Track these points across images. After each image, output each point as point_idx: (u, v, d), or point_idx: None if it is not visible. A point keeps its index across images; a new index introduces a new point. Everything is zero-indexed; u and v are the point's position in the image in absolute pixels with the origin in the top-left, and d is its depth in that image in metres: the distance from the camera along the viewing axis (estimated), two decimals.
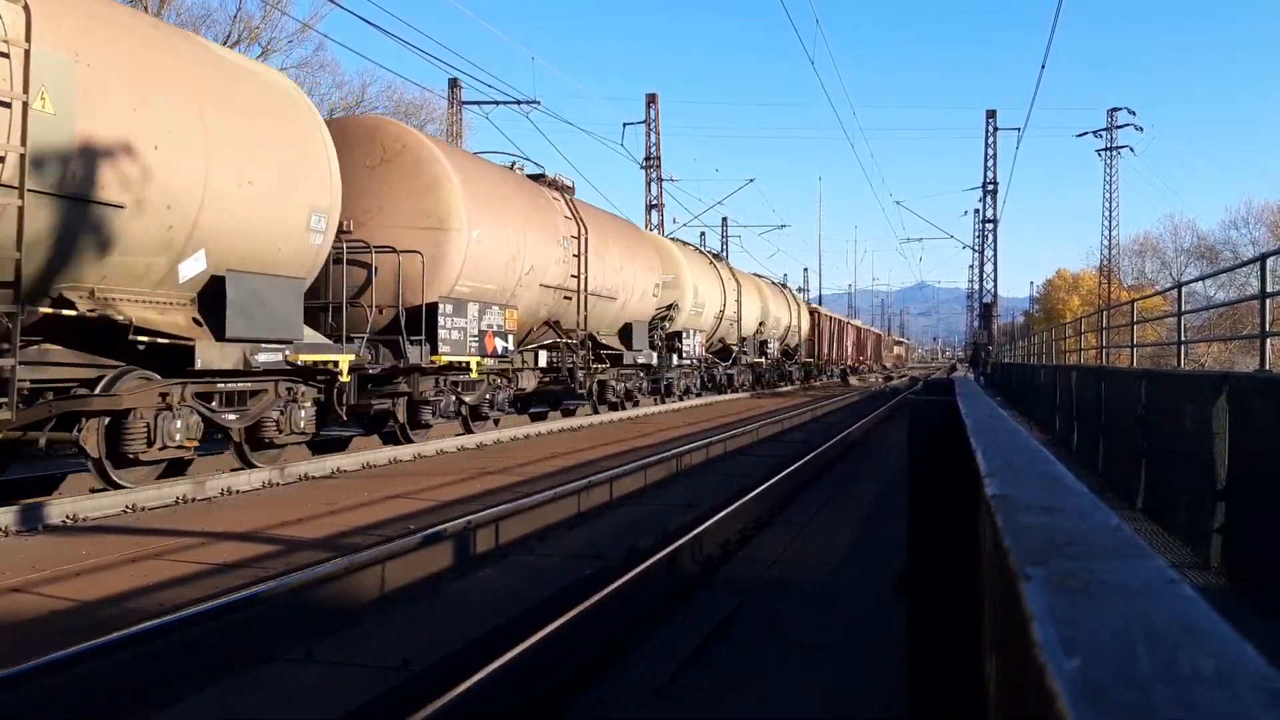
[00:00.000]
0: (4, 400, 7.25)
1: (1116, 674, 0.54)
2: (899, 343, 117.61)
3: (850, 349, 57.43)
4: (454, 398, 13.88)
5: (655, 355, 22.19)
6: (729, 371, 30.57)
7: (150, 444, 8.65)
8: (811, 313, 45.93)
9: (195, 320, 9.12)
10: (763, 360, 34.55)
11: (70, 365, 8.29)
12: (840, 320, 55.96)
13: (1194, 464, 6.87)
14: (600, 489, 9.19)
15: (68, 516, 7.75)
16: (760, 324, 33.38)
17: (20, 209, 7.23)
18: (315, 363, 10.42)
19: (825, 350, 48.25)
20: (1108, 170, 54.35)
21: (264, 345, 9.60)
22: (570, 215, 17.04)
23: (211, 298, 9.20)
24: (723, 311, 28.17)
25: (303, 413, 10.55)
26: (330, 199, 10.57)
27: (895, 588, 5.21)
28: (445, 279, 12.92)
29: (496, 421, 16.00)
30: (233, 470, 10.07)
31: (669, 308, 23.85)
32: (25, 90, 7.23)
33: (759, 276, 38.01)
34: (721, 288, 28.25)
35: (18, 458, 9.19)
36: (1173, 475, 7.70)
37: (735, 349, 30.39)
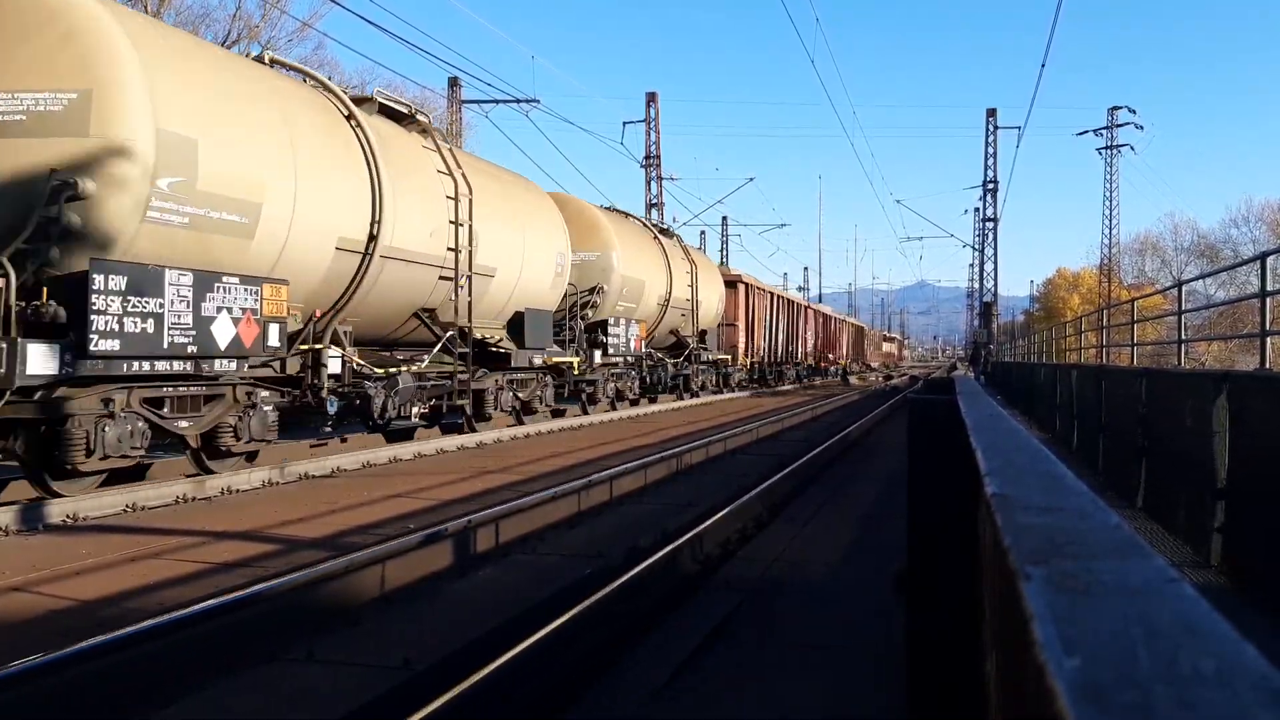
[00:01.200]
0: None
1: (1116, 673, 0.54)
2: (889, 339, 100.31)
3: (812, 343, 44.06)
4: None
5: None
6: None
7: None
8: (731, 284, 30.44)
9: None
10: (590, 365, 18.86)
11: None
12: (790, 300, 40.92)
13: (1194, 463, 6.87)
14: (600, 488, 9.19)
15: (68, 516, 7.74)
16: (590, 292, 19.08)
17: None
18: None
19: (759, 343, 33.77)
20: (1108, 169, 54.39)
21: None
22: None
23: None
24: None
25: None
26: None
27: (895, 588, 5.21)
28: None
29: None
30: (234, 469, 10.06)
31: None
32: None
33: (627, 215, 23.85)
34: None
35: None
36: (1173, 474, 7.70)
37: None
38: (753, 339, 32.88)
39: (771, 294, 37.21)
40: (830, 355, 50.12)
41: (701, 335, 26.59)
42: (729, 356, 30.13)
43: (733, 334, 30.80)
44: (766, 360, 35.83)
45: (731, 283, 30.75)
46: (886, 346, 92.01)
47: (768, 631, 5.04)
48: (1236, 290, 38.07)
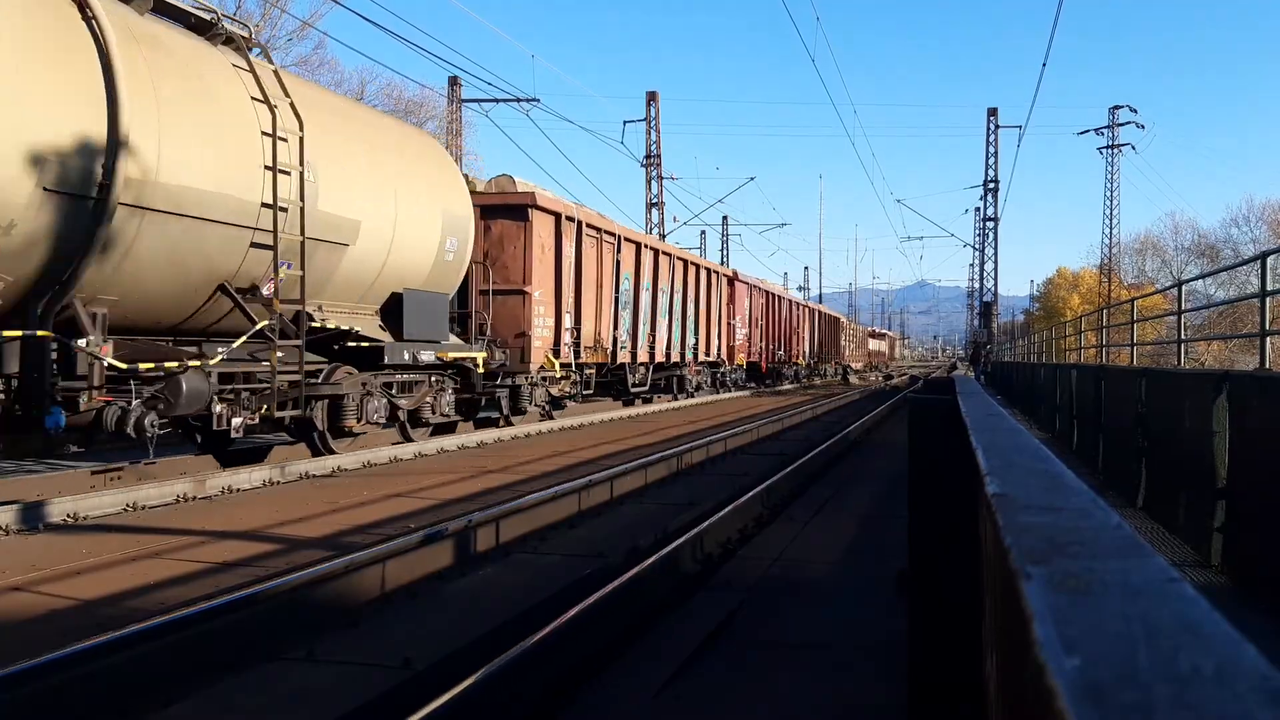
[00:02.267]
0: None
1: (1116, 673, 0.54)
2: (878, 335, 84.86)
3: (744, 334, 30.95)
4: None
5: None
6: None
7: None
8: (519, 210, 15.94)
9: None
10: None
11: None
12: (698, 266, 26.34)
13: (1194, 462, 6.87)
14: (600, 488, 9.19)
15: (68, 515, 7.74)
16: None
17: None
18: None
19: (602, 329, 19.01)
20: (1109, 168, 54.34)
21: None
22: None
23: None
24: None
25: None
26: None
27: (896, 587, 5.21)
28: None
29: None
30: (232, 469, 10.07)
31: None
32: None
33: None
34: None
35: None
36: (1173, 473, 7.70)
37: None
38: (582, 321, 17.76)
39: (659, 252, 22.80)
40: (781, 353, 37.26)
41: (387, 308, 12.46)
42: (504, 355, 15.29)
43: (523, 310, 15.71)
44: (651, 358, 22.18)
45: (519, 209, 15.79)
46: (874, 344, 76.73)
47: (769, 631, 5.04)
48: (1237, 290, 38.11)
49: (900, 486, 7.41)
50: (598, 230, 18.73)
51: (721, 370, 29.21)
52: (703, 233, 62.55)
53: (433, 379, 13.64)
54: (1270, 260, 7.03)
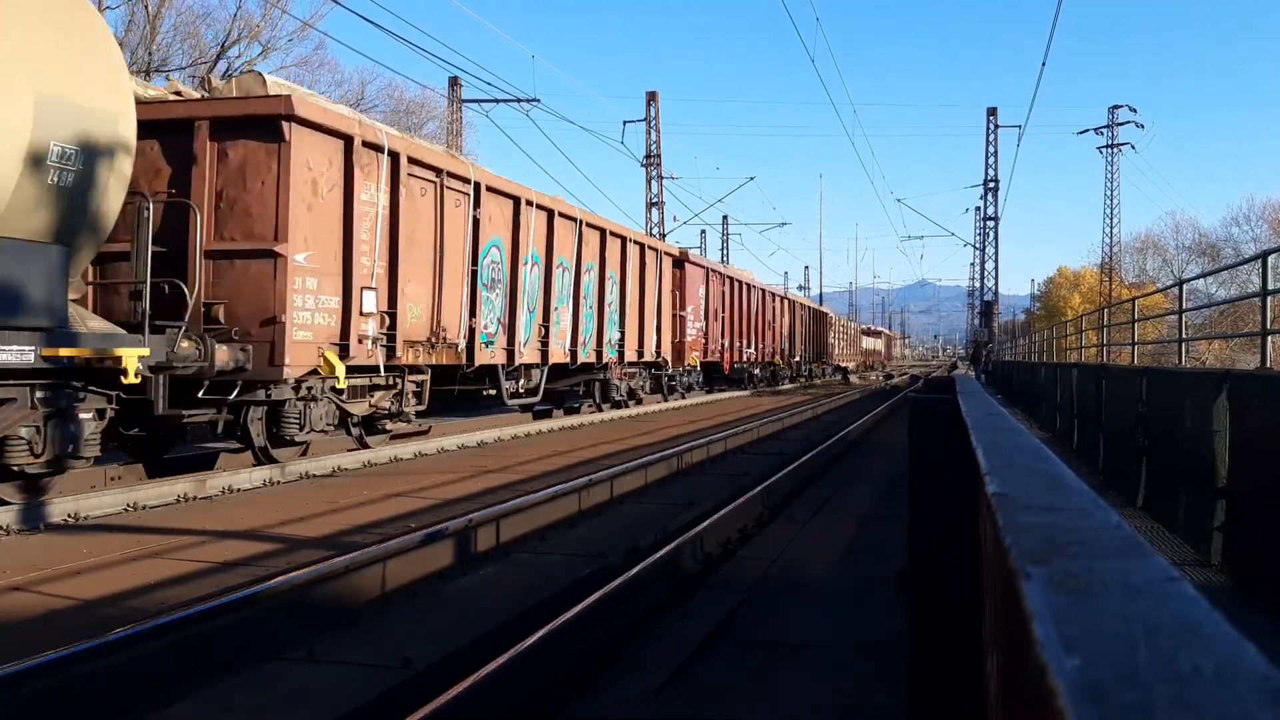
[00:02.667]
0: None
1: (1116, 673, 0.54)
2: (873, 333, 78.71)
3: (698, 328, 25.09)
4: None
5: None
6: None
7: None
8: (324, 141, 10.05)
9: None
10: None
11: None
12: (630, 240, 19.81)
13: (1194, 462, 6.87)
14: (600, 487, 9.19)
15: (69, 515, 7.74)
16: None
17: None
18: None
19: (441, 314, 12.28)
20: (1109, 167, 54.32)
21: None
22: None
23: None
24: None
25: None
26: None
27: (896, 587, 5.21)
28: None
29: None
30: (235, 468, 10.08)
31: None
32: None
33: None
34: None
35: None
36: (1173, 473, 7.70)
37: None
38: (403, 302, 11.54)
39: (556, 214, 15.85)
40: (751, 351, 31.19)
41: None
42: (243, 354, 9.47)
43: (274, 282, 9.70)
44: (545, 358, 15.89)
45: (267, 123, 9.70)
46: (869, 343, 71.24)
47: (769, 631, 5.04)
48: (1238, 289, 38.13)
49: (900, 487, 7.41)
50: (436, 171, 12.25)
51: (667, 373, 23.42)
52: (703, 232, 62.59)
53: (39, 395, 7.69)
54: (1271, 259, 7.02)
